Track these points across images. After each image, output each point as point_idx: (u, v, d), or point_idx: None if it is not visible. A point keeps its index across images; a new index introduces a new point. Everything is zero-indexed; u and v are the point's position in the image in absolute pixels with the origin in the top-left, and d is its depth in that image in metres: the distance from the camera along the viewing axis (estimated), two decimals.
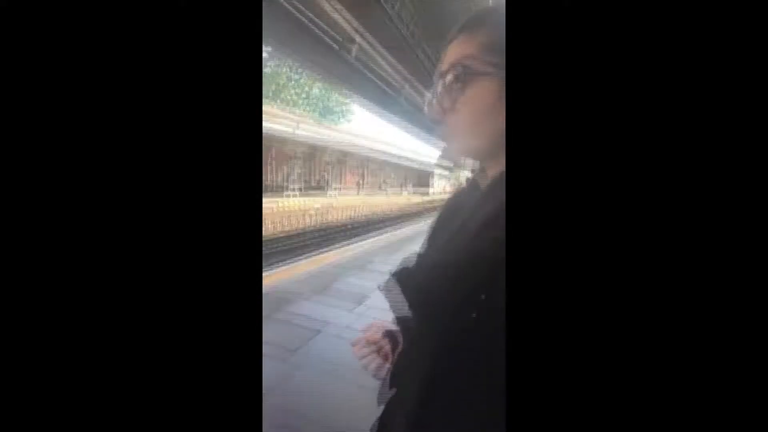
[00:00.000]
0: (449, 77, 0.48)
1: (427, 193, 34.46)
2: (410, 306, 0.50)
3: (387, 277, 0.52)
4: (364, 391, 2.00)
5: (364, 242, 6.33)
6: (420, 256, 0.53)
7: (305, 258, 5.27)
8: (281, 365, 2.24)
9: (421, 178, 37.64)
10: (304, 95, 28.81)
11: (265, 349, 2.42)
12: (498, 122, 0.46)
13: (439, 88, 0.49)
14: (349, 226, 13.06)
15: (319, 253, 5.50)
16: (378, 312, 3.15)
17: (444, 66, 0.49)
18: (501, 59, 0.45)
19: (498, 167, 0.48)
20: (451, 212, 0.57)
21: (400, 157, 27.52)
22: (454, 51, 0.49)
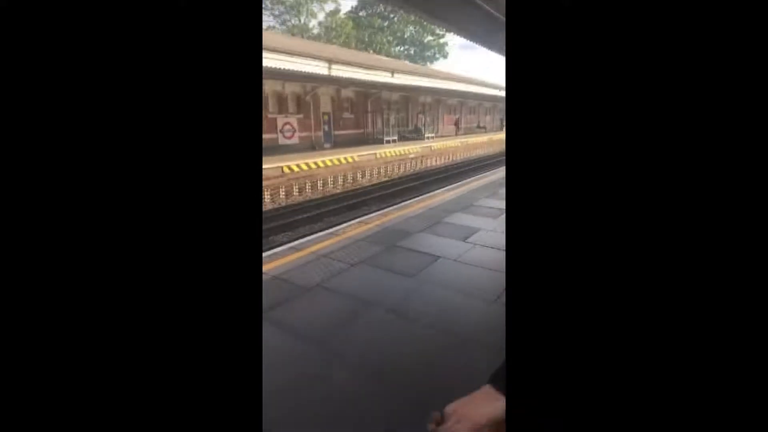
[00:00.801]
0: None
1: None
2: None
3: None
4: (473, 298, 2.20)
5: (464, 184, 6.38)
6: None
7: (411, 199, 5.58)
8: (409, 280, 2.63)
9: None
10: (397, 38, 27.66)
11: (394, 271, 2.83)
12: None
13: None
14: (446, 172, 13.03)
15: (421, 198, 5.75)
16: (481, 246, 3.31)
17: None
18: None
19: None
20: None
21: (500, 90, 25.17)
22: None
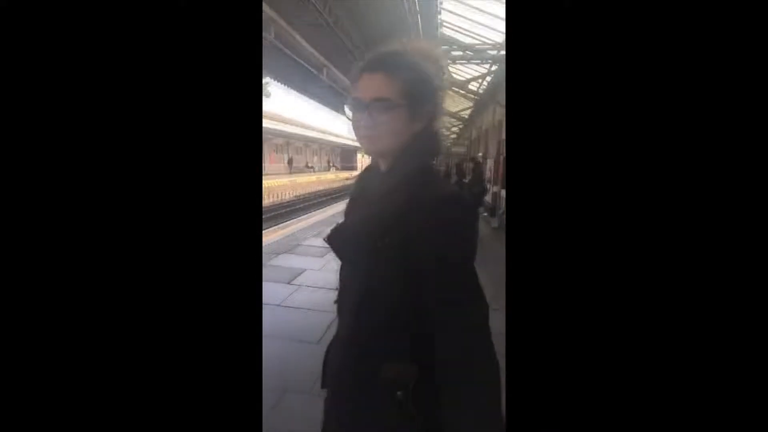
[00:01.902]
0: (373, 108, 0.60)
1: (355, 169, 33.81)
2: (339, 257, 0.67)
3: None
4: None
5: (296, 221, 6.35)
6: (343, 222, 0.70)
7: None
8: None
9: (345, 155, 37.12)
10: None
11: None
12: (401, 139, 0.62)
13: (363, 113, 0.62)
14: (285, 208, 12.78)
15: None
16: (308, 288, 3.33)
17: (366, 97, 0.61)
18: (410, 94, 0.60)
19: (391, 161, 0.64)
20: (359, 189, 0.74)
21: (323, 134, 26.77)
22: (374, 85, 0.61)
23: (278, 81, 10.04)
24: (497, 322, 0.58)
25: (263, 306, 2.84)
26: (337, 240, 0.67)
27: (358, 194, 0.74)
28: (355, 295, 0.65)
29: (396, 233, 0.57)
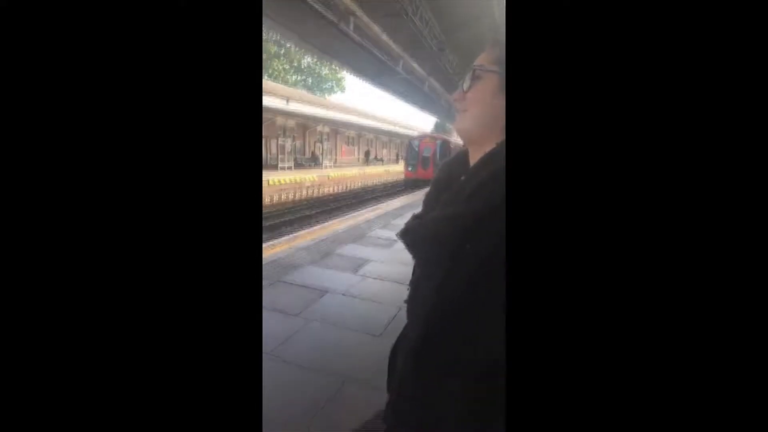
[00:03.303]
0: (467, 78, 0.62)
1: None
2: (414, 255, 0.63)
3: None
4: (367, 339, 2.18)
5: (362, 212, 6.49)
6: (418, 216, 0.64)
7: (305, 231, 5.41)
8: (294, 320, 2.45)
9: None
10: (294, 66, 27.83)
11: (277, 309, 2.61)
12: (490, 118, 0.58)
13: (466, 81, 0.62)
14: (352, 199, 13.31)
15: (321, 226, 5.63)
16: (374, 277, 3.35)
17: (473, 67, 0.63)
18: (502, 62, 0.57)
19: (482, 149, 0.60)
20: (444, 182, 0.68)
21: (395, 126, 27.08)
22: (479, 58, 0.62)
23: (354, 73, 10.27)
24: None
25: (327, 293, 2.93)
26: (412, 236, 0.61)
27: (444, 183, 0.68)
28: (427, 300, 0.60)
29: (480, 240, 0.52)
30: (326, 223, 5.85)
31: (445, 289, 0.57)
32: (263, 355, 2.03)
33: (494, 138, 0.59)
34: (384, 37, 7.29)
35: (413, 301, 0.66)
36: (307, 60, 27.43)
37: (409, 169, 16.23)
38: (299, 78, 28.53)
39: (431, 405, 0.59)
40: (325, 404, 1.67)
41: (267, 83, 18.15)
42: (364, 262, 3.82)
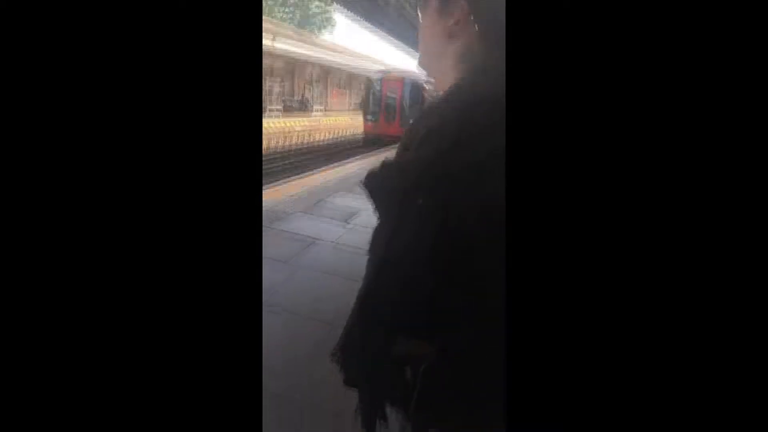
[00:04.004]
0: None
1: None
2: (372, 199, 0.59)
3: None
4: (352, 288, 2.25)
5: (353, 159, 6.37)
6: (384, 161, 0.61)
7: (294, 179, 5.32)
8: (283, 266, 2.48)
9: (414, 92, 35.90)
10: (280, 0, 25.77)
11: (266, 257, 2.63)
12: (436, 40, 0.54)
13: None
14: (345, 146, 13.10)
15: (306, 176, 5.54)
16: (365, 229, 3.36)
17: None
18: None
19: (441, 85, 0.56)
20: (409, 127, 0.65)
21: (388, 68, 25.98)
22: None
23: (344, 7, 9.53)
24: None
25: (316, 242, 2.95)
26: (372, 183, 0.57)
27: (410, 129, 0.63)
28: (379, 252, 0.57)
29: (434, 193, 0.47)
30: (315, 171, 5.76)
31: (397, 241, 0.53)
32: None
33: (451, 74, 0.54)
34: None
35: (370, 252, 0.63)
36: None
37: (369, 119, 12.05)
38: (287, 12, 26.52)
39: (372, 355, 0.59)
40: (322, 343, 1.74)
41: None
42: (355, 212, 3.81)
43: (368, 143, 11.78)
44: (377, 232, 0.62)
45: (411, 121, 0.69)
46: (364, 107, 12.75)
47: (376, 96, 12.09)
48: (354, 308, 0.64)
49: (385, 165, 0.58)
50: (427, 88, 10.43)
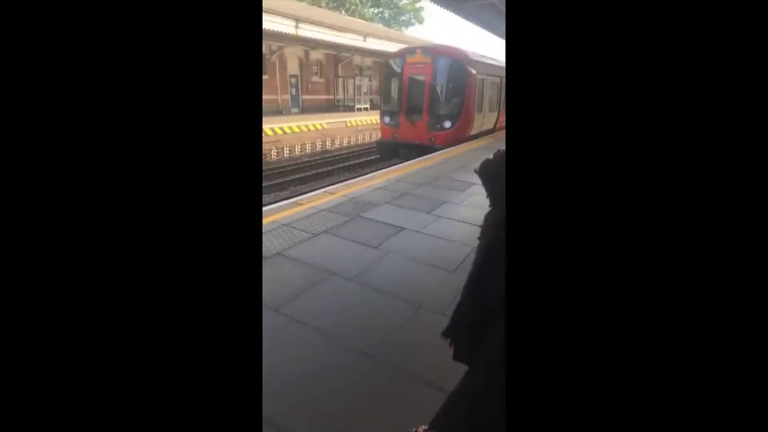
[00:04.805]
0: None
1: None
2: (485, 186, 0.66)
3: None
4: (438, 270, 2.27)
5: (436, 154, 6.39)
6: (499, 151, 0.67)
7: (380, 171, 5.54)
8: (372, 251, 2.66)
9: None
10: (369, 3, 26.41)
11: (357, 241, 2.84)
12: None
13: None
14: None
15: (396, 167, 5.72)
16: (447, 220, 3.38)
17: None
18: None
19: None
20: None
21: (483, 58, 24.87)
22: None
23: (434, 1, 9.45)
24: None
25: (404, 230, 3.07)
26: (486, 170, 0.65)
27: None
28: (491, 231, 0.64)
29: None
30: (400, 165, 5.90)
31: (503, 227, 0.58)
32: (349, 280, 2.27)
33: None
34: None
35: (482, 236, 0.71)
36: None
37: (387, 121, 8.01)
38: (376, 11, 27.16)
39: (477, 339, 0.65)
40: (403, 326, 1.86)
41: (344, 18, 17.66)
42: (439, 203, 3.86)
43: (384, 154, 8.25)
44: (488, 218, 0.68)
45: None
46: (381, 101, 8.72)
47: (396, 85, 7.93)
48: (464, 289, 0.70)
49: (500, 154, 0.64)
50: (470, 69, 7.46)
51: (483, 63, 8.64)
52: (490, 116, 9.43)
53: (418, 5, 27.14)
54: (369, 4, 26.49)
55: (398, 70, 7.91)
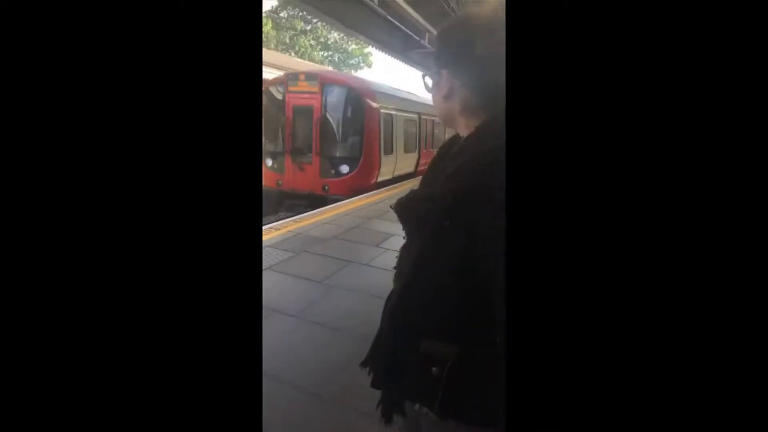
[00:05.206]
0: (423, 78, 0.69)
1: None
2: (403, 227, 0.70)
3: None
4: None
5: (388, 189, 6.54)
6: (413, 191, 0.71)
7: (329, 206, 5.56)
8: (318, 286, 2.62)
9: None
10: (321, 43, 27.55)
11: (305, 277, 2.78)
12: (448, 109, 0.67)
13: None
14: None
15: (343, 203, 5.76)
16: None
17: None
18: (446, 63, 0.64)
19: (465, 138, 0.66)
20: (435, 162, 0.75)
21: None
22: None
23: (380, 48, 10.12)
24: None
25: (353, 263, 3.07)
26: (402, 209, 0.67)
27: (436, 163, 0.74)
28: (410, 265, 0.66)
29: (459, 218, 0.56)
30: (348, 200, 5.97)
31: (422, 260, 0.64)
32: (289, 316, 2.20)
33: (465, 126, 0.65)
34: (410, 10, 7.10)
35: (399, 266, 0.74)
36: (334, 36, 27.02)
37: (269, 165, 6.47)
38: (326, 54, 28.29)
39: (403, 363, 0.66)
40: (353, 358, 1.82)
41: (294, 60, 18.13)
42: (387, 236, 3.94)
43: (271, 207, 6.24)
44: (404, 251, 0.73)
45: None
46: (265, 139, 6.36)
47: (278, 117, 6.35)
48: (383, 319, 0.72)
49: (414, 194, 0.68)
50: (371, 101, 6.13)
51: (393, 96, 7.39)
52: (406, 158, 7.63)
53: (366, 50, 28.77)
54: (319, 47, 27.58)
55: (280, 97, 6.33)
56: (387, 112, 6.77)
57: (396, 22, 7.01)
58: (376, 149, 6.45)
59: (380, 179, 6.74)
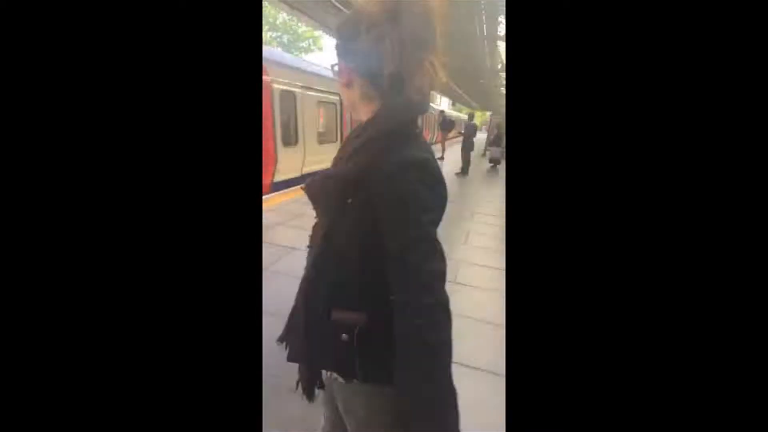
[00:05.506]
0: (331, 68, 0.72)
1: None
2: (312, 201, 0.74)
3: None
4: None
5: None
6: (322, 171, 0.74)
7: (272, 194, 5.45)
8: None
9: None
10: (269, 23, 26.15)
11: None
12: (350, 97, 0.71)
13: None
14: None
15: (291, 189, 5.65)
16: None
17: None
18: (350, 56, 0.66)
19: (364, 122, 0.70)
20: (344, 144, 0.77)
21: None
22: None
23: (328, 33, 9.87)
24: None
25: (294, 250, 3.08)
26: (311, 189, 0.73)
27: (345, 146, 0.78)
28: (319, 241, 0.72)
29: (359, 195, 0.62)
30: (295, 187, 5.86)
31: (332, 232, 0.68)
32: None
33: (365, 113, 0.70)
34: None
35: (310, 246, 0.79)
36: (283, 16, 25.74)
37: None
38: (274, 35, 26.95)
39: (316, 335, 0.71)
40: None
41: None
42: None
43: None
44: (315, 229, 0.76)
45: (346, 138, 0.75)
46: None
47: None
48: (297, 294, 0.76)
49: (322, 174, 0.73)
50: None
51: (301, 71, 5.84)
52: (320, 151, 6.29)
53: (316, 33, 27.76)
54: (267, 27, 26.16)
55: None
56: (286, 89, 5.31)
57: (342, 8, 6.91)
58: (267, 138, 5.00)
59: (279, 178, 5.40)
